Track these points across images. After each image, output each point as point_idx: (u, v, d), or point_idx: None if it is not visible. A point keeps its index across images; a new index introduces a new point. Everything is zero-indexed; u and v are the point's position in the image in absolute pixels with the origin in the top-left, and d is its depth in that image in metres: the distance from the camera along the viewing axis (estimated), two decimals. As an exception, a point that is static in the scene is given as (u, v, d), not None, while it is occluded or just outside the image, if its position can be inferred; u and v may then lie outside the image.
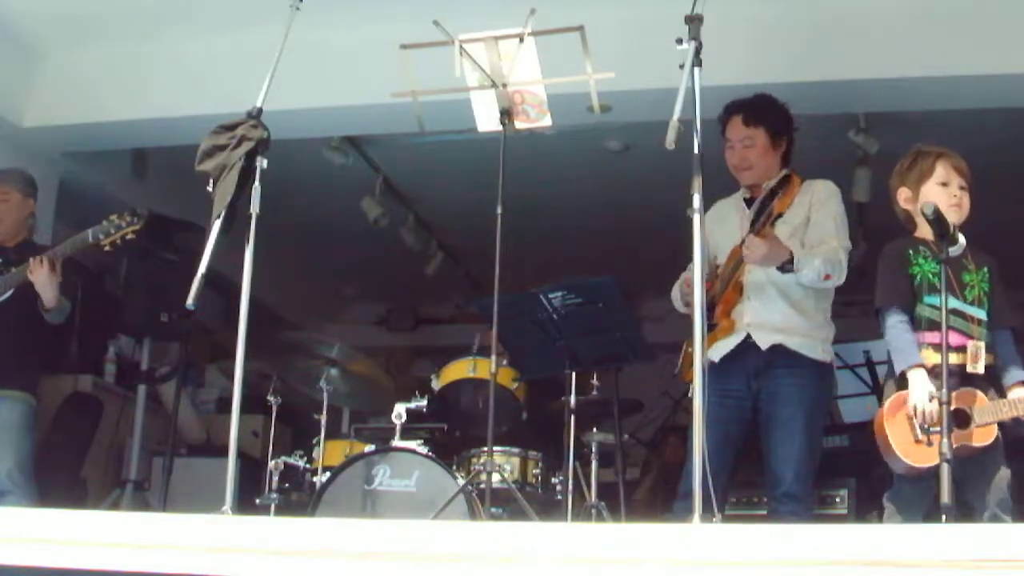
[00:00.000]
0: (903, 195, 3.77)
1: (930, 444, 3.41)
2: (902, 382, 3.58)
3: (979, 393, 3.47)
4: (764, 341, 4.08)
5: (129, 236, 4.61)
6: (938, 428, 3.33)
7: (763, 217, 3.86)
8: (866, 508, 5.00)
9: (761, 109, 4.23)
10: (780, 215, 3.98)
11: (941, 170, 3.72)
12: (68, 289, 4.73)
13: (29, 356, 4.83)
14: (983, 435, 3.42)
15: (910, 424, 3.50)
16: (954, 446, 3.28)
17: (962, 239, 3.59)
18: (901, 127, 5.52)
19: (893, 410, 3.57)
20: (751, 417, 4.15)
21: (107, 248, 4.62)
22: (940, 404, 3.30)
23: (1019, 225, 5.89)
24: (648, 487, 6.76)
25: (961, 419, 3.43)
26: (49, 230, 5.80)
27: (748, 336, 4.10)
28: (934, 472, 3.35)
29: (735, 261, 4.13)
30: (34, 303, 4.65)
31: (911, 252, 3.70)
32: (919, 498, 3.57)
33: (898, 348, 3.61)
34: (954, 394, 3.36)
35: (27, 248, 4.88)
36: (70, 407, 5.71)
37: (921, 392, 3.48)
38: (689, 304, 4.08)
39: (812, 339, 4.11)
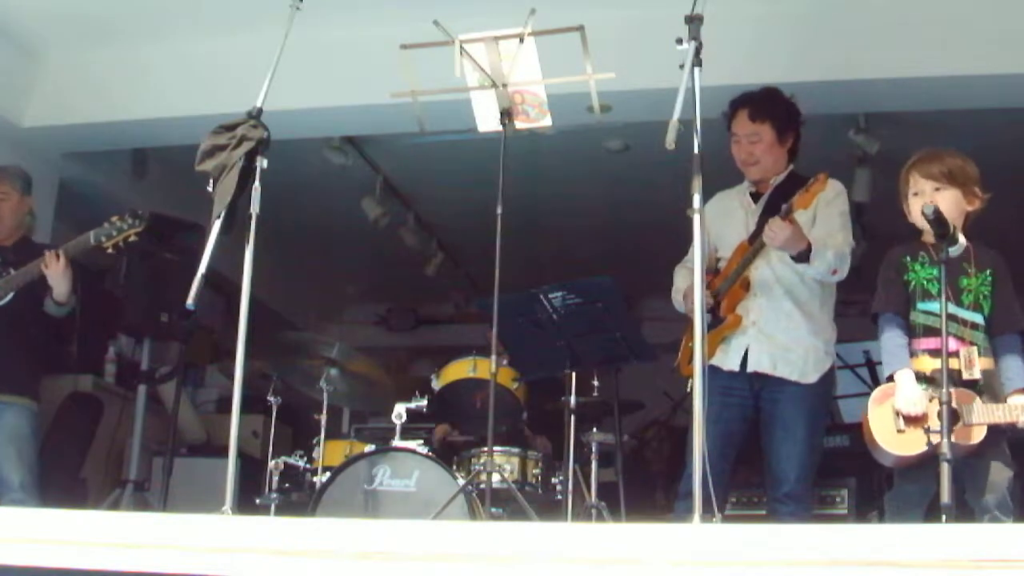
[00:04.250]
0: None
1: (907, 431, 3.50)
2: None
3: (972, 394, 3.46)
4: (761, 365, 4.09)
5: (132, 238, 4.60)
6: (918, 425, 3.45)
7: (784, 208, 3.86)
8: (866, 508, 5.01)
9: (767, 103, 4.23)
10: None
11: (912, 181, 3.73)
12: (74, 284, 4.70)
13: (31, 359, 4.82)
14: (969, 435, 3.40)
15: (893, 415, 3.55)
16: (938, 443, 3.32)
17: (962, 239, 3.58)
18: (901, 127, 5.53)
19: (877, 402, 3.63)
20: (753, 416, 4.16)
21: (109, 250, 4.61)
22: (940, 404, 3.31)
23: (1019, 226, 5.88)
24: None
25: (951, 418, 3.43)
26: (49, 230, 5.80)
27: (747, 352, 4.11)
28: (931, 470, 3.37)
29: (743, 258, 4.13)
30: (35, 305, 4.63)
31: (908, 258, 3.72)
32: (919, 498, 3.58)
33: (888, 353, 3.67)
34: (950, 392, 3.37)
35: (25, 247, 4.85)
36: (70, 407, 5.70)
37: (907, 393, 3.53)
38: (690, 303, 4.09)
39: (812, 355, 4.10)
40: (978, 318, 3.61)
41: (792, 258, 3.99)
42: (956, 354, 3.50)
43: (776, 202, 4.07)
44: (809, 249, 3.93)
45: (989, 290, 3.64)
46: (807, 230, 4.08)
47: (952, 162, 3.70)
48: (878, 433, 3.58)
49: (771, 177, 4.27)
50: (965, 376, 3.47)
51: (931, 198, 3.62)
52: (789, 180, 4.22)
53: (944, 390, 3.31)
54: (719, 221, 4.23)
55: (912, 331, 3.66)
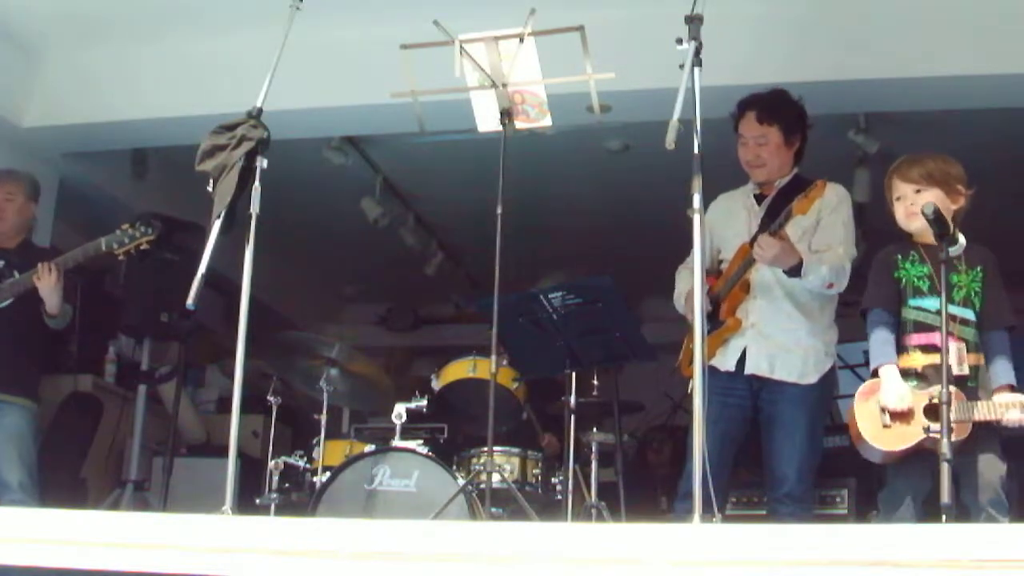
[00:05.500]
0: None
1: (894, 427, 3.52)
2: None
3: (960, 392, 3.44)
4: (760, 368, 4.09)
5: (143, 246, 4.63)
6: (904, 421, 3.48)
7: (781, 217, 3.86)
8: (866, 508, 5.00)
9: (776, 106, 4.22)
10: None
11: (893, 186, 3.75)
12: (69, 293, 4.72)
13: (31, 361, 4.85)
14: (956, 431, 3.37)
15: (879, 411, 3.56)
16: (924, 438, 3.38)
17: (962, 239, 3.58)
18: (901, 127, 5.53)
19: (863, 397, 3.63)
20: (753, 416, 4.16)
21: (120, 257, 4.65)
22: (941, 404, 3.30)
23: (1018, 225, 5.89)
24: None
25: (935, 413, 3.43)
26: (49, 230, 5.81)
27: (745, 351, 4.11)
28: (920, 466, 3.41)
29: (744, 260, 4.12)
30: (36, 308, 4.65)
31: (899, 256, 3.72)
32: (911, 494, 3.57)
33: (874, 347, 3.68)
34: (934, 390, 3.40)
35: (27, 250, 4.88)
36: (70, 407, 5.70)
37: (891, 389, 3.54)
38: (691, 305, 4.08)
39: (812, 355, 4.10)
40: (969, 314, 3.62)
41: (785, 272, 3.99)
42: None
43: (780, 205, 4.06)
44: (801, 263, 3.93)
45: (980, 287, 3.64)
46: (809, 236, 4.08)
47: (931, 164, 3.71)
48: (864, 428, 3.60)
49: (776, 179, 4.26)
50: (956, 372, 3.46)
51: (912, 200, 3.65)
52: (793, 183, 4.21)
53: (943, 390, 3.30)
54: (722, 222, 4.23)
55: (903, 327, 3.67)
